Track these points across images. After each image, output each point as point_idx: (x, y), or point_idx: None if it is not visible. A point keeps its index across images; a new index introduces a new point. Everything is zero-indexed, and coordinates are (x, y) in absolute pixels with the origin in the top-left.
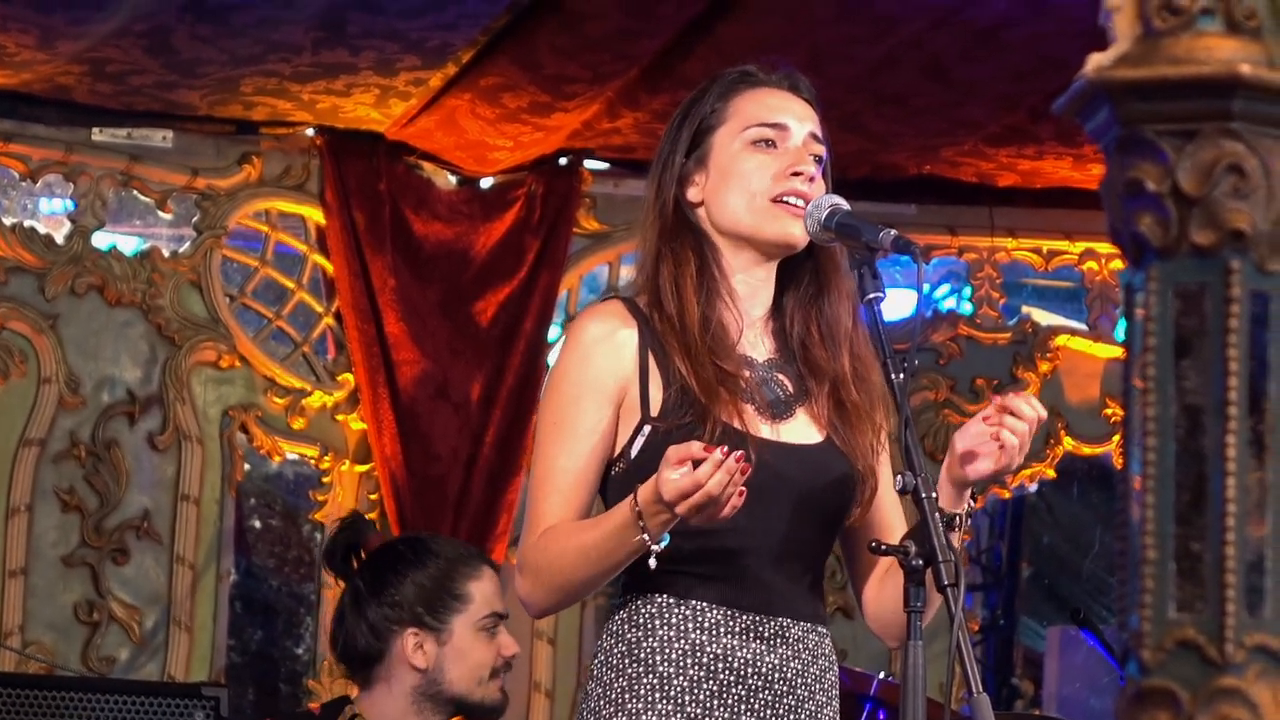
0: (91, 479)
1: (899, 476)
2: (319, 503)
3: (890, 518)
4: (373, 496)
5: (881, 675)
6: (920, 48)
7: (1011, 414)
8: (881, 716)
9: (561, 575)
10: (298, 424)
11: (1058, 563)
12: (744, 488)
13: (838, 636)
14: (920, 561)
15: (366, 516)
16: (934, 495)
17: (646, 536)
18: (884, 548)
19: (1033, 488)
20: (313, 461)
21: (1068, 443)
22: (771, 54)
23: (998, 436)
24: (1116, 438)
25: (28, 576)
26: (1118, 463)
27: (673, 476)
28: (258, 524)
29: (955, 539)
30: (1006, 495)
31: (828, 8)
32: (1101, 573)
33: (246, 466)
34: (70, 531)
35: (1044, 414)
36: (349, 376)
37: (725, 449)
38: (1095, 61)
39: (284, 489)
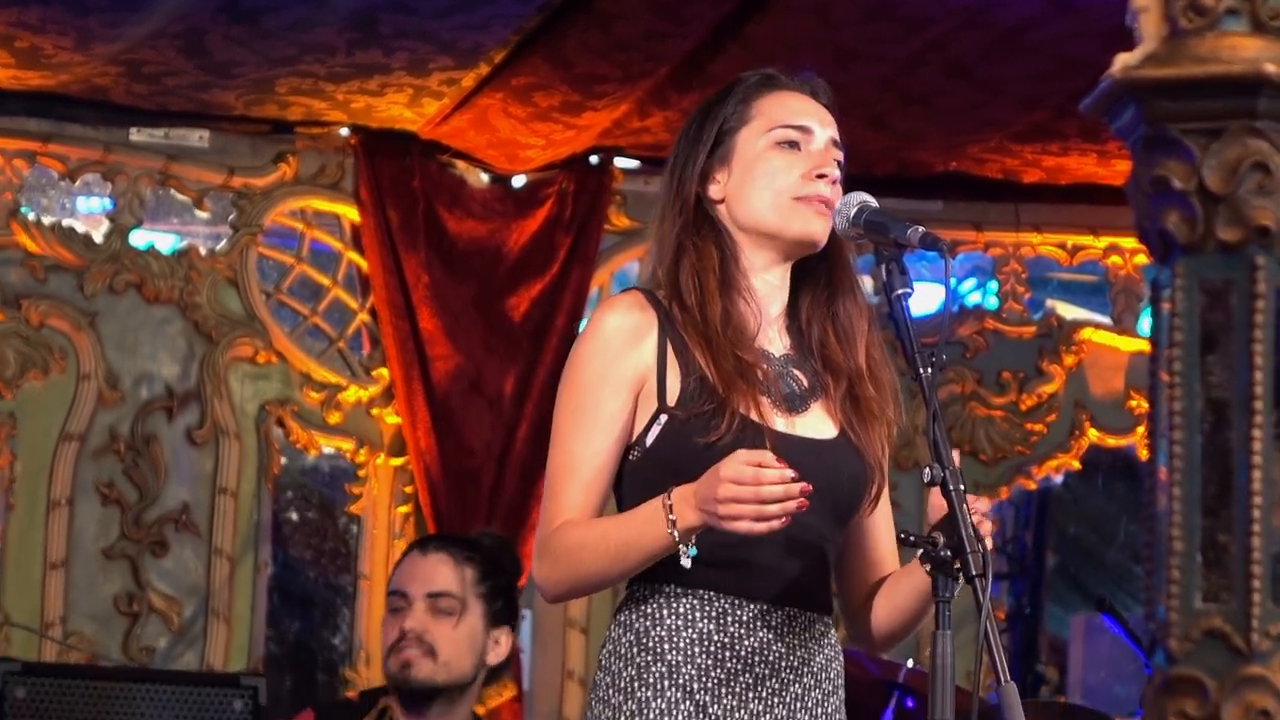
0: (131, 473)
1: (927, 469)
2: (355, 496)
3: (880, 522)
4: (408, 489)
5: (910, 663)
6: (946, 48)
7: None
8: (910, 704)
9: (579, 564)
10: (333, 418)
11: (1083, 552)
12: (789, 523)
13: None
14: (949, 552)
15: (399, 512)
16: (962, 488)
17: (675, 533)
18: (912, 538)
19: (1058, 479)
20: (348, 455)
21: (1092, 434)
22: (800, 53)
23: None
24: (1141, 429)
25: (69, 569)
26: (1143, 454)
27: (740, 459)
28: (295, 516)
29: None
30: (1032, 486)
31: (855, 8)
32: (1126, 561)
33: (283, 460)
34: (110, 525)
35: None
36: (384, 372)
37: (795, 474)
38: (1122, 61)
39: (320, 482)
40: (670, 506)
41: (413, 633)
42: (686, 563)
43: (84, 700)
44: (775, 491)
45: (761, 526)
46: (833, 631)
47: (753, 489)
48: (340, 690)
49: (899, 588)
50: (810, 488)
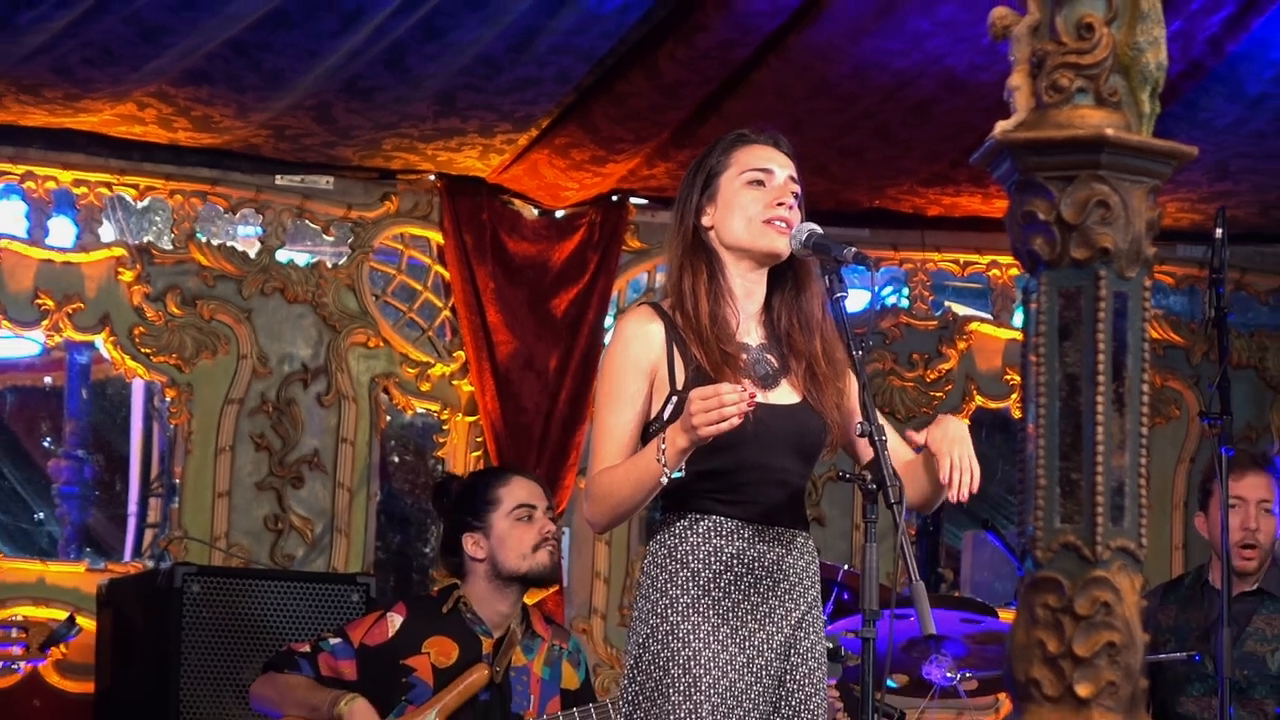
0: (276, 427)
1: (859, 424)
2: (440, 444)
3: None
4: (479, 439)
5: (845, 566)
6: (871, 117)
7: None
8: (845, 597)
9: (611, 496)
10: (424, 387)
11: None
12: (743, 418)
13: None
14: (874, 486)
15: (473, 456)
16: (884, 439)
17: (663, 459)
18: (847, 476)
19: None
20: (435, 414)
21: (978, 400)
22: (763, 121)
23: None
24: (1014, 396)
25: (231, 497)
26: (1016, 414)
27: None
28: (396, 459)
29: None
30: None
31: (804, 88)
32: (1002, 493)
33: (388, 418)
34: (261, 465)
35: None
36: (461, 353)
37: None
38: (1001, 126)
39: (415, 434)
40: (664, 437)
41: (554, 535)
42: (664, 480)
43: (241, 594)
44: (731, 397)
45: (724, 425)
46: (810, 543)
47: (715, 399)
48: (429, 587)
49: (918, 477)
50: (755, 393)
